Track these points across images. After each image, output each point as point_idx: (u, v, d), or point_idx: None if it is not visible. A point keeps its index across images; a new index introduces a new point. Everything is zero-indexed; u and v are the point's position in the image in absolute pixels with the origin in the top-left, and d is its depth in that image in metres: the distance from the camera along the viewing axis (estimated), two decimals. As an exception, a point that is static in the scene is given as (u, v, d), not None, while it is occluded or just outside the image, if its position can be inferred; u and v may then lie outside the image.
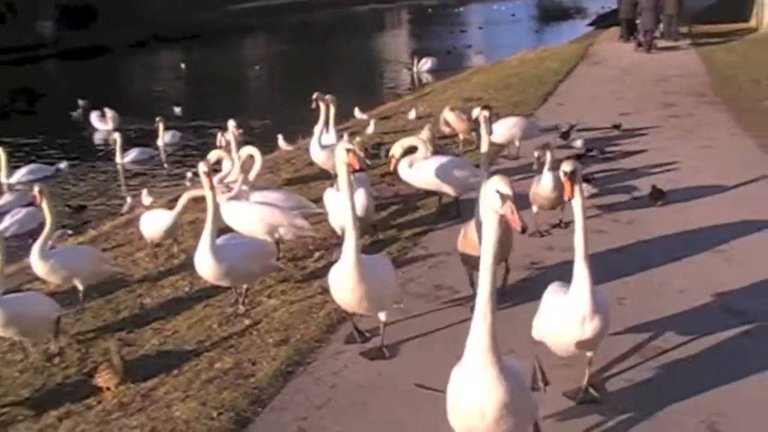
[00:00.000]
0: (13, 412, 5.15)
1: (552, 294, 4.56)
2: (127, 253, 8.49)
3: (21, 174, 14.44)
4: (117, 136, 15.70)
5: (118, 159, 15.70)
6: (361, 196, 7.13)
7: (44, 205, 6.59)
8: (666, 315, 5.61)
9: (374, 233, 7.72)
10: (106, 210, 12.73)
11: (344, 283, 4.97)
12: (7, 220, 10.97)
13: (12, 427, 4.98)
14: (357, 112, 15.70)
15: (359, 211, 6.91)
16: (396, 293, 5.48)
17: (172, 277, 7.47)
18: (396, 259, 7.18)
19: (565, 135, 11.17)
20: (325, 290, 5.89)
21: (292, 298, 6.51)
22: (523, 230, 3.20)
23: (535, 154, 7.68)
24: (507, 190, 3.22)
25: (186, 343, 5.92)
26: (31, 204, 11.10)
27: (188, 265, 7.17)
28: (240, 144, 9.28)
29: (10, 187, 13.88)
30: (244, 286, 6.55)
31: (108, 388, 5.22)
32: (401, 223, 8.38)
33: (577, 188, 4.32)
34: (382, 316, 5.30)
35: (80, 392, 5.34)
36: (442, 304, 6.14)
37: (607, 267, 6.18)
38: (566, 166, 4.34)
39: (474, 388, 3.32)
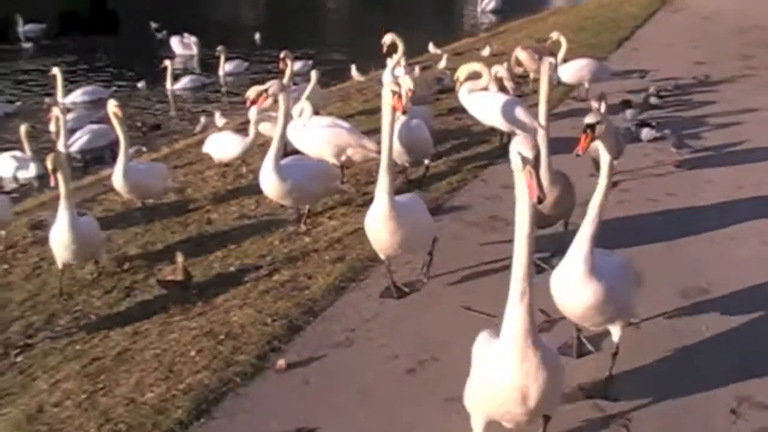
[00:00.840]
0: (86, 309, 5.48)
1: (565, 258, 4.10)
2: (198, 171, 8.79)
3: (77, 95, 14.54)
4: (167, 63, 15.61)
5: (168, 86, 15.75)
6: (418, 130, 7.18)
7: (117, 122, 6.84)
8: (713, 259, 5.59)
9: (426, 169, 7.76)
10: (179, 129, 13.05)
11: (379, 225, 4.88)
12: (78, 136, 11.18)
13: (84, 322, 5.31)
14: (431, 47, 15.62)
15: (415, 145, 7.05)
16: (431, 232, 5.36)
17: (239, 196, 7.72)
18: (454, 188, 7.29)
19: (643, 75, 11.07)
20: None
21: (351, 221, 6.68)
22: (539, 201, 2.83)
23: (593, 104, 7.56)
24: (528, 153, 2.91)
25: (247, 257, 6.17)
26: (100, 121, 11.51)
27: (255, 186, 7.41)
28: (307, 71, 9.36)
29: (70, 107, 13.90)
30: (307, 207, 6.75)
31: (172, 282, 5.54)
32: (464, 155, 8.45)
33: (602, 147, 3.90)
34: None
35: (146, 295, 5.63)
36: (495, 234, 6.23)
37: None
38: (589, 118, 3.85)
39: (515, 375, 3.06)
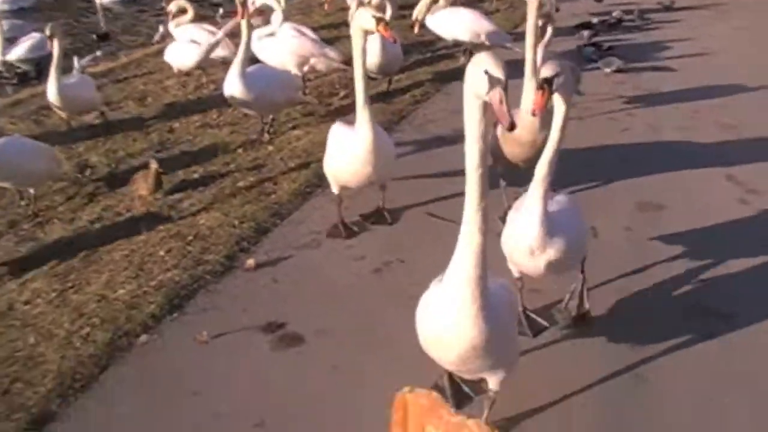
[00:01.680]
0: (48, 215, 5.47)
1: (516, 209, 3.82)
2: (158, 81, 8.68)
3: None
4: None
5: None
6: (391, 47, 7.15)
7: (55, 45, 6.43)
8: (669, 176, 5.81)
9: (389, 83, 7.80)
10: (138, 40, 12.75)
11: (360, 157, 4.55)
12: (17, 44, 10.37)
13: (48, 226, 5.31)
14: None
15: (387, 63, 7.05)
16: (394, 159, 4.99)
17: (201, 106, 7.68)
18: (417, 101, 7.36)
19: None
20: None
21: (314, 131, 6.73)
22: (512, 127, 2.47)
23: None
24: (498, 73, 2.48)
25: (211, 165, 6.19)
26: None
27: (217, 96, 7.39)
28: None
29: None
30: (270, 116, 6.77)
31: (141, 196, 5.54)
32: (427, 70, 8.49)
33: (559, 99, 3.55)
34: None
35: (110, 201, 5.64)
36: (458, 146, 6.32)
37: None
38: (545, 71, 3.47)
39: (449, 323, 2.79)
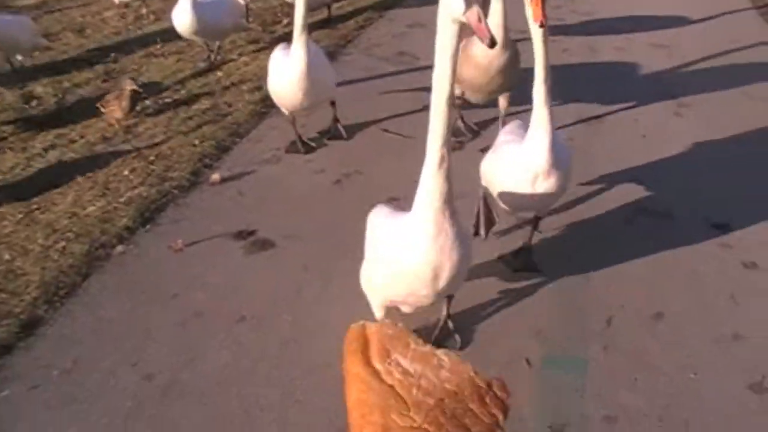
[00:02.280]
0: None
1: (508, 134, 3.80)
2: (95, 12, 8.60)
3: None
4: None
5: None
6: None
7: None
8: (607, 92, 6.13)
9: (329, 10, 7.93)
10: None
11: (294, 80, 4.61)
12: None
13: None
14: None
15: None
16: (334, 83, 5.09)
17: (143, 36, 7.67)
18: (361, 26, 7.52)
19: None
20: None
21: (261, 56, 6.84)
22: (492, 44, 2.40)
23: None
24: None
25: (162, 91, 6.26)
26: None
27: (158, 27, 7.43)
28: None
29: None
30: (216, 43, 6.83)
31: (116, 119, 5.59)
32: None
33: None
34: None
35: (62, 129, 5.68)
36: (404, 67, 6.56)
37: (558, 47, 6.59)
38: None
39: (429, 251, 2.72)
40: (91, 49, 7.36)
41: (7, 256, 4.09)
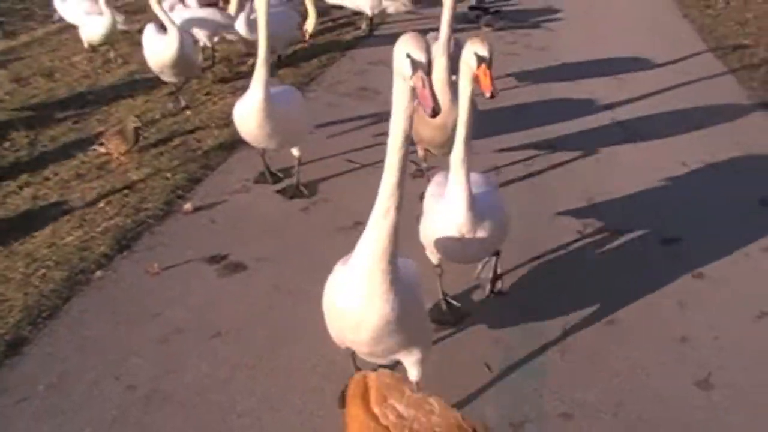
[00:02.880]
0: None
1: (433, 189, 3.76)
2: (64, 57, 8.80)
3: None
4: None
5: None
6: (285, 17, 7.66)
7: None
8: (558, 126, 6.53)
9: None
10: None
11: (250, 119, 4.72)
12: None
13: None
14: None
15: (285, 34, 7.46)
16: (305, 125, 5.25)
17: (111, 79, 7.90)
18: (324, 65, 7.87)
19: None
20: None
21: (228, 95, 7.11)
22: (434, 113, 2.38)
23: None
24: (421, 56, 2.42)
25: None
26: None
27: (125, 70, 7.70)
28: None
29: None
30: (182, 80, 7.08)
31: (119, 153, 5.70)
32: (330, 37, 9.00)
33: (465, 77, 3.46)
34: (294, 151, 5.14)
35: (33, 165, 5.85)
36: (366, 101, 6.89)
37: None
38: (480, 50, 3.36)
39: (354, 299, 2.69)
40: (60, 93, 7.54)
41: (-12, 286, 4.24)
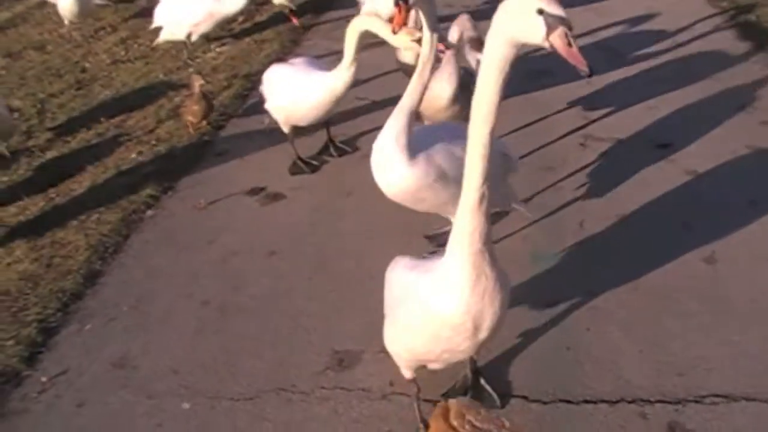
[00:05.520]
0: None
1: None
2: (52, 30, 8.95)
3: None
4: None
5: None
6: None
7: None
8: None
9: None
10: None
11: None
12: None
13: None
14: None
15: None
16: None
17: (105, 45, 8.13)
18: (320, 11, 8.14)
19: None
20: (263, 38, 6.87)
21: (233, 48, 7.43)
22: (591, 72, 2.06)
23: None
24: (559, 10, 2.01)
25: (137, 91, 6.74)
26: None
27: (116, 36, 7.93)
28: None
29: None
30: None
31: (191, 123, 5.64)
32: None
33: (423, 16, 3.29)
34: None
35: (48, 131, 6.11)
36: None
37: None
38: None
39: (470, 300, 2.35)
40: (56, 63, 7.74)
41: (46, 234, 4.54)
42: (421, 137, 3.44)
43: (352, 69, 4.40)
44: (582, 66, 2.06)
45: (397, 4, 3.14)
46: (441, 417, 2.72)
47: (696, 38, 7.17)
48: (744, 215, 4.34)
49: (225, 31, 8.10)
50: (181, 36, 7.14)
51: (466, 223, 2.30)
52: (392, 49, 4.65)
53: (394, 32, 3.39)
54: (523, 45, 2.09)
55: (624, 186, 4.70)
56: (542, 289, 3.77)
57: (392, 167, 3.36)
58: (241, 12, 7.18)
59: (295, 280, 3.97)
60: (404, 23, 3.31)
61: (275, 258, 4.16)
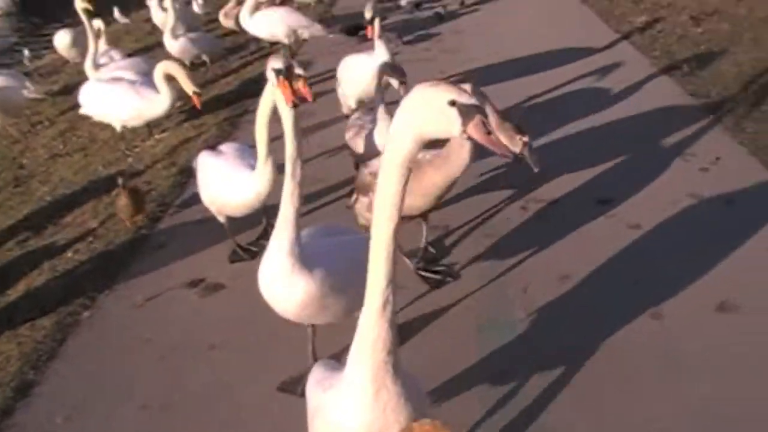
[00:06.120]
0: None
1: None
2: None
3: None
4: None
5: None
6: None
7: None
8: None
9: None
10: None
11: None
12: None
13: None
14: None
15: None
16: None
17: (42, 140, 8.04)
18: (253, 96, 8.17)
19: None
20: (202, 123, 6.84)
21: (175, 133, 7.40)
22: (295, 105, 2.12)
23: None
24: (279, 64, 2.28)
25: (76, 186, 6.62)
26: None
27: (55, 129, 7.87)
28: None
29: None
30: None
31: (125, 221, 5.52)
32: (254, 70, 9.35)
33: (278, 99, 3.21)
34: None
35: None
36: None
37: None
38: (273, 62, 3.15)
39: (367, 412, 2.18)
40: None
41: (-24, 343, 4.38)
42: (310, 246, 3.26)
43: (269, 164, 4.26)
44: (505, 152, 1.99)
45: (277, 77, 3.11)
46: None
47: (630, 90, 7.33)
48: (689, 266, 4.37)
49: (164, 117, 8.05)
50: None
51: (368, 330, 2.14)
52: (340, 127, 4.63)
53: (288, 104, 3.13)
54: (435, 137, 2.00)
55: (567, 246, 4.70)
56: (490, 359, 3.73)
57: (289, 284, 3.15)
58: (169, 112, 7.01)
59: (236, 373, 3.85)
60: (293, 95, 3.10)
61: (215, 352, 4.04)
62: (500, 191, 5.44)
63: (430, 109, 1.93)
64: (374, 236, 2.08)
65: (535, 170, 3.86)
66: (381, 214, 2.05)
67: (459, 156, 3.85)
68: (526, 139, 3.76)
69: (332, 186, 5.67)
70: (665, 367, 3.61)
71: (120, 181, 5.42)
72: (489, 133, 1.92)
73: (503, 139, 1.79)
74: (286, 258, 3.11)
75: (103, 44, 8.91)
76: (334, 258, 3.27)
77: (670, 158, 5.84)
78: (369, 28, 6.11)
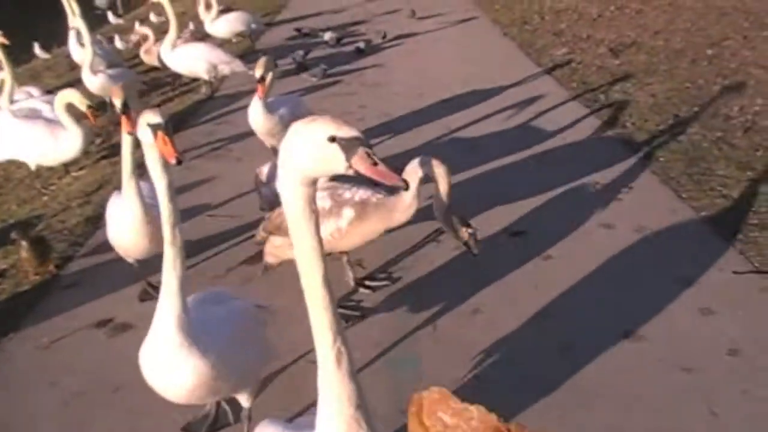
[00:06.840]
0: None
1: None
2: None
3: None
4: None
5: None
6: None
7: None
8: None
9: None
10: None
11: (131, 230, 4.37)
12: None
13: None
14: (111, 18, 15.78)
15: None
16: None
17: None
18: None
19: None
20: (119, 161, 6.71)
21: (90, 170, 7.25)
22: (407, 185, 1.91)
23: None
24: (351, 131, 1.83)
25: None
26: None
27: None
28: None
29: None
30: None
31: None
32: (174, 106, 9.27)
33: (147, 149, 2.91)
34: None
35: None
36: (221, 160, 7.19)
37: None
38: (150, 117, 2.87)
39: None
40: None
41: None
42: (199, 320, 2.96)
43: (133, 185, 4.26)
44: (397, 182, 1.88)
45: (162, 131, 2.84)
46: (416, 417, 2.81)
47: (548, 122, 7.54)
48: (598, 295, 4.47)
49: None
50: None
51: (330, 388, 1.99)
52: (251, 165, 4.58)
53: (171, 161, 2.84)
54: (322, 176, 1.92)
55: (478, 279, 4.75)
56: (400, 393, 3.70)
57: (177, 366, 2.88)
58: (83, 151, 6.85)
59: (140, 415, 3.78)
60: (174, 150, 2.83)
61: (120, 394, 3.96)
62: (415, 224, 5.45)
63: (310, 148, 1.82)
64: (306, 290, 1.95)
65: (474, 253, 4.09)
66: (306, 265, 1.93)
67: (406, 211, 4.09)
68: (471, 230, 4.07)
69: (245, 225, 5.72)
70: (573, 396, 3.66)
71: (13, 234, 5.22)
72: (375, 164, 1.84)
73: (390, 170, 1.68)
74: (174, 335, 2.82)
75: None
76: (228, 331, 3.04)
77: (585, 188, 6.00)
78: (259, 86, 5.64)
